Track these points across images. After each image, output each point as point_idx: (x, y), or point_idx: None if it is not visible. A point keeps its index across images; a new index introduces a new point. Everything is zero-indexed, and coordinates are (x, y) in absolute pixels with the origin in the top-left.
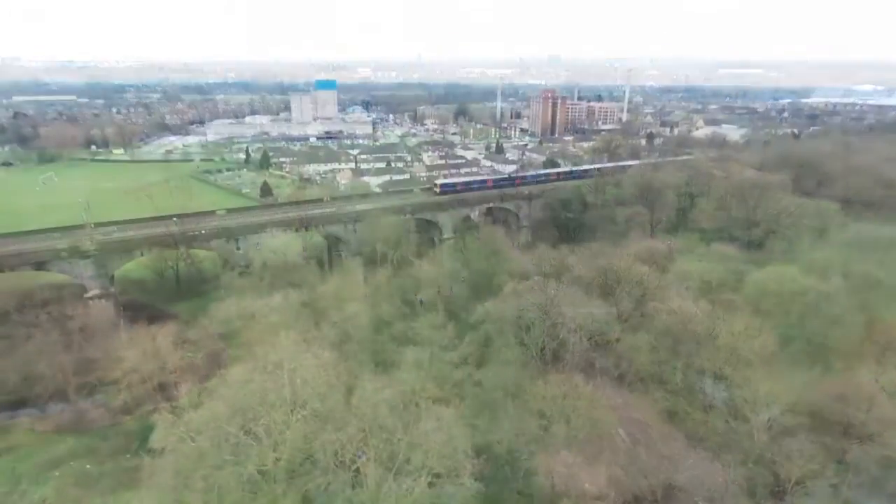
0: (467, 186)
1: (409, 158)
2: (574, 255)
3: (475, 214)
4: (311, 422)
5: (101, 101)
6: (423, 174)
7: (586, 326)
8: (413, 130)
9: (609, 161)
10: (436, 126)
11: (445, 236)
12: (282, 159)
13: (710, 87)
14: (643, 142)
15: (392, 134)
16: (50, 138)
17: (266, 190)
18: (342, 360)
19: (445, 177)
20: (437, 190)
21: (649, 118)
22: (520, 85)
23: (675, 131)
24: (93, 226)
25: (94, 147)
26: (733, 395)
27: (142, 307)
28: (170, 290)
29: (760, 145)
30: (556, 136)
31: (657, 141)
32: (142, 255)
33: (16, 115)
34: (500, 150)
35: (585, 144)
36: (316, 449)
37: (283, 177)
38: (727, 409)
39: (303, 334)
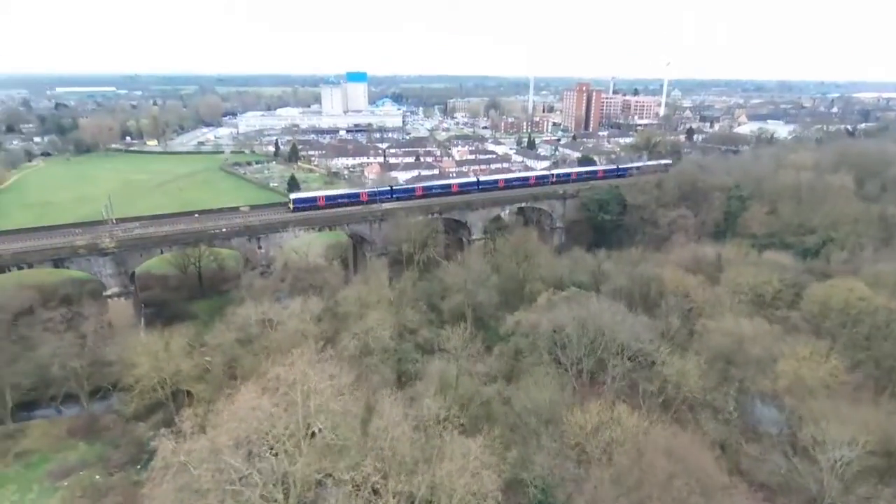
0: (332, 201)
1: (438, 153)
2: (612, 260)
3: (506, 214)
4: (323, 454)
5: (138, 93)
6: (453, 169)
7: (628, 345)
8: (444, 124)
9: (649, 159)
10: (466, 119)
11: (474, 237)
12: (310, 152)
13: (752, 81)
14: (682, 138)
15: (422, 127)
16: (87, 129)
17: (293, 184)
18: (361, 375)
19: (477, 173)
20: (291, 206)
21: (688, 113)
22: (552, 78)
23: (716, 126)
24: (114, 221)
25: (128, 138)
26: (796, 429)
27: (163, 305)
28: (192, 287)
29: (813, 143)
30: (591, 130)
31: (697, 137)
32: (161, 252)
33: (57, 105)
34: (531, 145)
35: (622, 140)
36: (327, 486)
37: (311, 170)
38: (789, 446)
39: (321, 347)
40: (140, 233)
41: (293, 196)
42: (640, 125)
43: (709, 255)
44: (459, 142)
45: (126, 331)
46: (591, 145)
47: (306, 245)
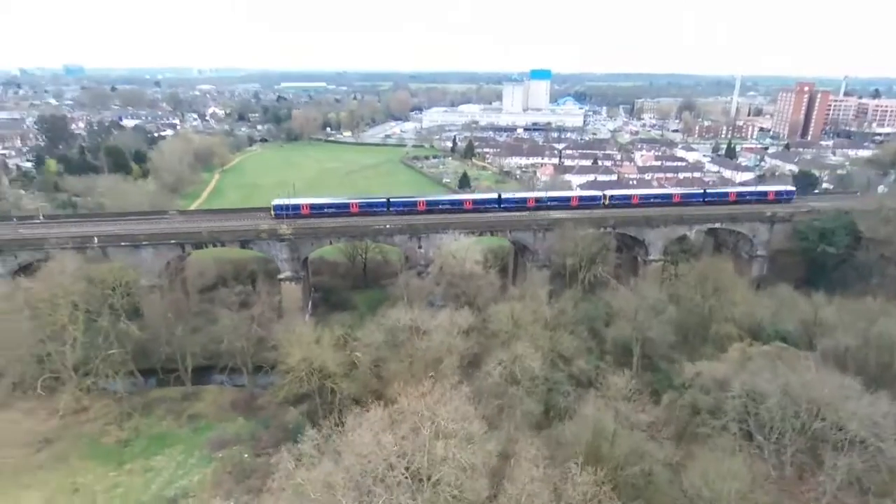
0: (317, 210)
1: (618, 157)
2: (834, 307)
3: (693, 234)
4: None
5: (344, 88)
6: (633, 176)
7: (858, 435)
8: (629, 126)
9: None
10: (654, 121)
11: (652, 258)
12: (486, 150)
13: None
14: None
15: (603, 128)
16: (297, 120)
17: (465, 181)
18: (503, 407)
19: (661, 182)
20: (272, 213)
21: None
22: (761, 77)
23: None
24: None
25: (328, 129)
26: None
27: (329, 291)
28: (356, 276)
29: None
30: (809, 139)
31: None
32: (330, 243)
33: (279, 98)
34: (731, 152)
35: (852, 152)
36: None
37: (484, 168)
38: None
39: (464, 364)
40: (313, 223)
41: (274, 202)
42: (880, 134)
43: None
44: (644, 145)
45: (293, 314)
46: (808, 157)
47: (465, 249)
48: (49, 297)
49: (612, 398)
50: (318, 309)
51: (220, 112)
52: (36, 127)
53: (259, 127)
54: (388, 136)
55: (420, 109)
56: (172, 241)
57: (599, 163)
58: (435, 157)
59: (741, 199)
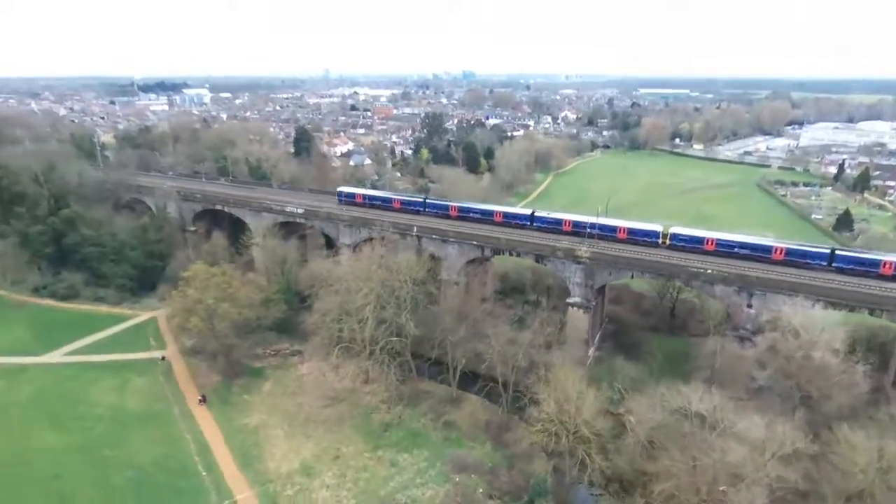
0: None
1: None
2: None
3: None
4: None
5: (709, 96)
6: None
7: None
8: None
9: None
10: None
11: None
12: (888, 183)
13: None
14: None
15: None
16: (645, 128)
17: (844, 221)
18: None
19: None
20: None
21: None
22: None
23: None
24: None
25: (677, 140)
26: None
27: (624, 325)
28: (662, 316)
29: None
30: None
31: None
32: (632, 277)
33: (633, 104)
34: None
35: None
36: None
37: (881, 206)
38: None
39: None
40: (619, 249)
41: (339, 189)
42: None
43: None
44: None
45: (575, 343)
46: None
47: (817, 326)
48: (358, 276)
49: None
50: (605, 343)
51: (572, 116)
52: (420, 122)
53: (605, 133)
54: (747, 153)
55: (800, 124)
56: (474, 243)
57: None
58: (807, 184)
59: None
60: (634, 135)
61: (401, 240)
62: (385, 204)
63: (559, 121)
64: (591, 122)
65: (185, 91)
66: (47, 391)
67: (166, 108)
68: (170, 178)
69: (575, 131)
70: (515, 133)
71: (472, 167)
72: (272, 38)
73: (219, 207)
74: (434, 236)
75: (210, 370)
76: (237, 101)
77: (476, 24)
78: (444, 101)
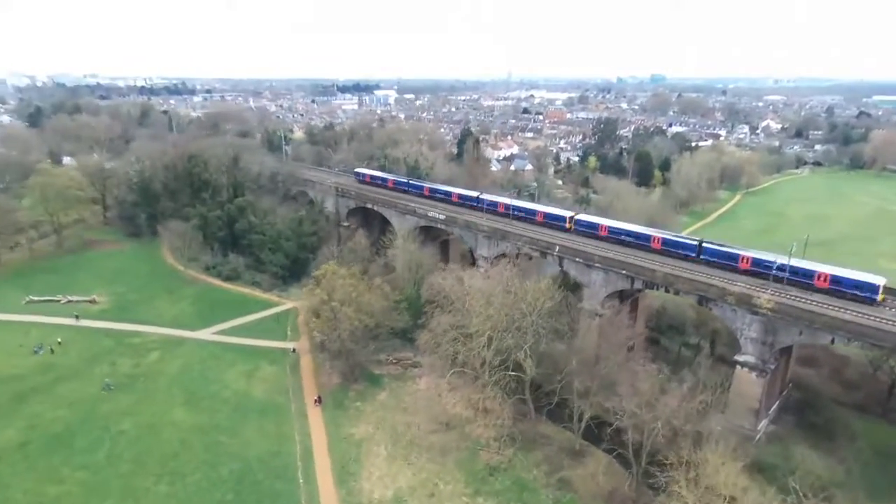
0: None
1: None
2: None
3: None
4: None
5: None
6: None
7: None
8: None
9: None
10: None
11: None
12: None
13: None
14: None
15: None
16: (873, 142)
17: None
18: None
19: None
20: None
21: None
22: None
23: None
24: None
25: None
26: None
27: (814, 396)
28: (871, 393)
29: None
30: None
31: None
32: (832, 342)
33: (860, 114)
34: None
35: None
36: None
37: None
38: None
39: None
40: (811, 304)
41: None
42: None
43: None
44: None
45: (740, 412)
46: None
47: None
48: (478, 297)
49: None
50: (784, 416)
51: (775, 125)
52: (592, 128)
53: (817, 147)
54: None
55: None
56: (623, 272)
57: None
58: None
59: None
60: (858, 151)
61: (541, 259)
62: (406, 188)
63: (758, 131)
64: (799, 134)
65: (375, 92)
66: (191, 367)
67: (355, 107)
68: (334, 173)
69: (777, 144)
70: (701, 143)
71: (644, 179)
72: (456, 41)
73: (369, 206)
74: (577, 259)
75: (332, 370)
76: (417, 102)
77: (663, 22)
78: (625, 105)
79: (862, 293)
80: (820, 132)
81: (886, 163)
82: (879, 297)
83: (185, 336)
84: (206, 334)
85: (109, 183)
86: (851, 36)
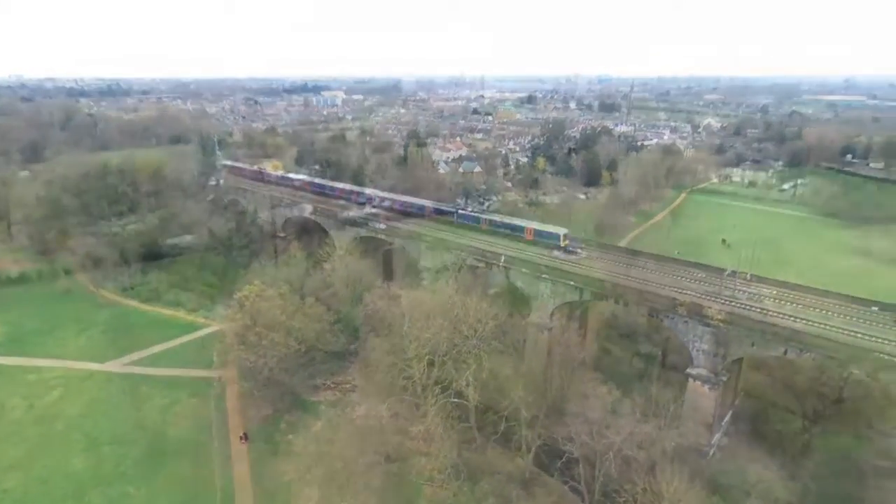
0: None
1: None
2: None
3: None
4: None
5: (893, 104)
6: None
7: None
8: None
9: None
10: None
11: None
12: None
13: None
14: None
15: None
16: (807, 139)
17: None
18: None
19: None
20: None
21: None
22: None
23: None
24: (748, 278)
25: (849, 157)
26: None
27: (767, 406)
28: (824, 400)
29: None
30: None
31: None
32: (785, 353)
33: (792, 113)
34: None
35: None
36: None
37: None
38: None
39: None
40: (759, 316)
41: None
42: None
43: None
44: None
45: (695, 428)
46: None
47: None
48: (415, 319)
49: None
50: (736, 426)
51: (716, 124)
52: (540, 128)
53: (755, 145)
54: None
55: None
56: (571, 283)
57: None
58: None
59: None
60: (794, 148)
61: (486, 269)
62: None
63: (700, 130)
64: (738, 133)
65: (322, 93)
66: (97, 405)
67: (303, 108)
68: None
69: (719, 142)
70: (647, 143)
71: (593, 180)
72: (398, 36)
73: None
74: (524, 270)
75: (261, 400)
76: (366, 104)
77: (610, 20)
78: (573, 105)
79: (552, 241)
80: (757, 130)
81: (821, 160)
82: (563, 243)
83: (92, 369)
84: (117, 366)
85: (13, 195)
86: (781, 34)
